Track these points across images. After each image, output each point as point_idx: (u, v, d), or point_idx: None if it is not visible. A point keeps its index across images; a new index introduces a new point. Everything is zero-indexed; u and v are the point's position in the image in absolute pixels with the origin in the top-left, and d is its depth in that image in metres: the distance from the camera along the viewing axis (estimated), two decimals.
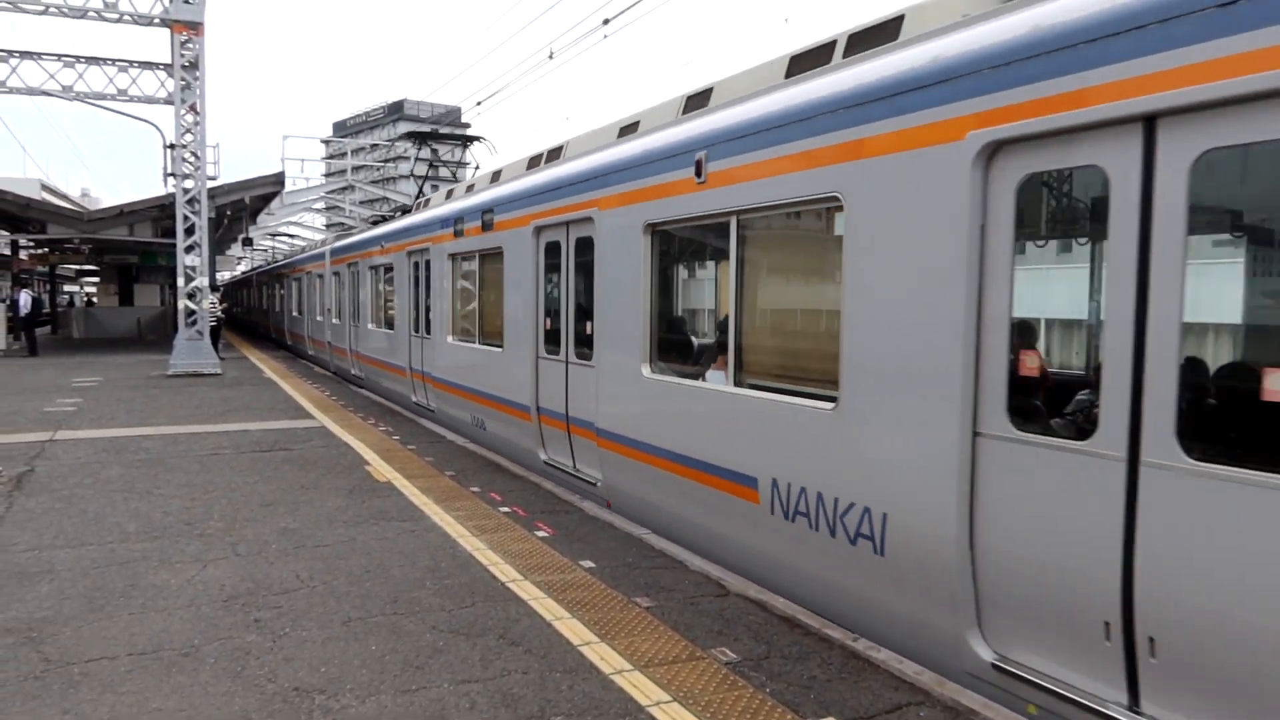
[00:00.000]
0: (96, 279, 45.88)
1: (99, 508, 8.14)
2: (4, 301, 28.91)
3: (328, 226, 60.80)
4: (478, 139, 21.93)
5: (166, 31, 21.03)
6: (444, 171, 23.93)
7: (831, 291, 5.51)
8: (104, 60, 22.11)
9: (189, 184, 21.71)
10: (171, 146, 21.68)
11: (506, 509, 8.17)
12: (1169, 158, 3.66)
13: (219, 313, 26.67)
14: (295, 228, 55.17)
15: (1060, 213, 4.59)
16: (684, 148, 6.99)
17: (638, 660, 4.86)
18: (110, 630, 5.23)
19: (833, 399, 5.48)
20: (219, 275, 44.59)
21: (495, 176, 12.28)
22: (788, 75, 6.31)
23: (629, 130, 8.63)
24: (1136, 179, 3.77)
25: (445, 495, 8.69)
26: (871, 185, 5.11)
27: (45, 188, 55.98)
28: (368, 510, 8.08)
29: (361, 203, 53.55)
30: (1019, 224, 4.33)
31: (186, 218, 21.71)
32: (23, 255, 34.28)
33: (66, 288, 64.57)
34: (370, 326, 18.40)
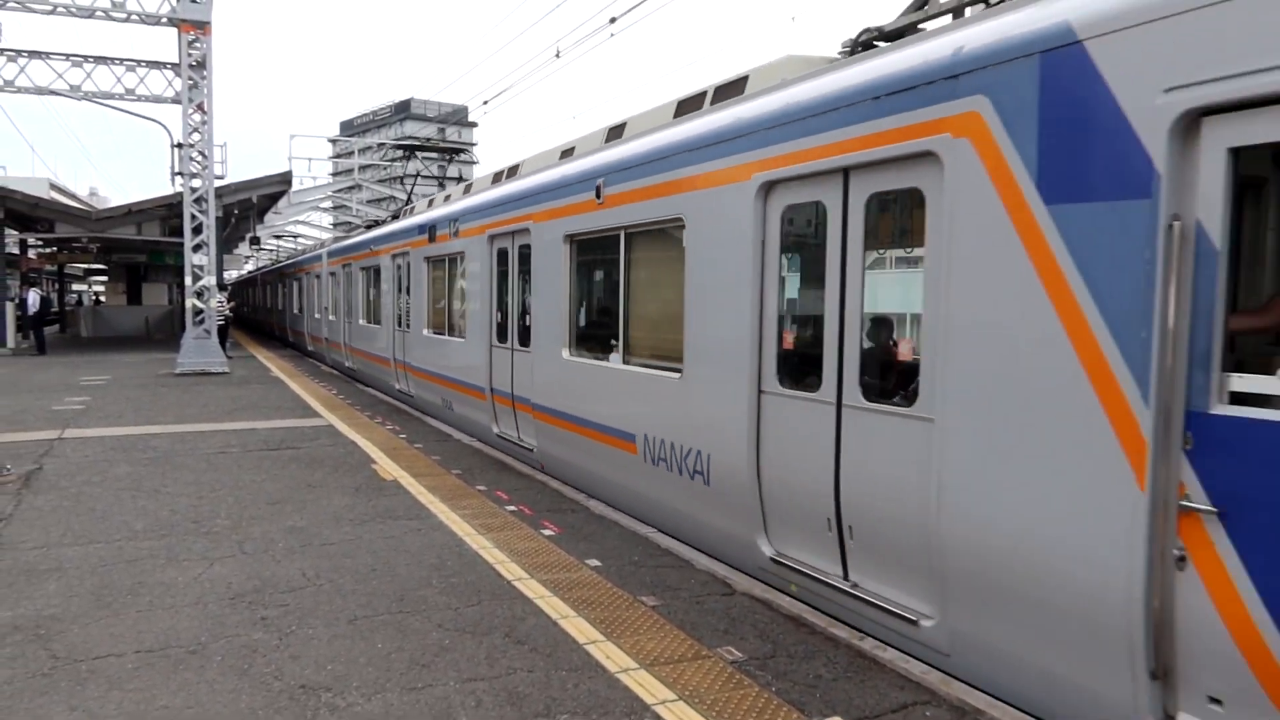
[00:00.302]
0: (105, 278, 46.05)
1: (107, 506, 8.17)
2: (13, 300, 29.01)
3: (335, 225, 60.89)
4: (462, 150, 24.89)
5: (174, 31, 21.10)
6: (452, 171, 24.40)
7: (682, 289, 7.26)
8: (112, 60, 22.19)
9: (196, 183, 21.77)
10: (179, 146, 21.74)
11: (513, 507, 8.18)
12: (855, 198, 5.35)
13: (227, 311, 26.71)
14: (303, 227, 55.27)
15: (806, 234, 6.13)
16: (590, 174, 8.75)
17: (643, 659, 4.86)
18: (117, 628, 5.25)
19: (680, 370, 7.17)
20: (227, 274, 44.71)
21: (467, 189, 13.94)
22: (675, 116, 7.88)
23: (566, 154, 10.18)
24: (839, 212, 5.46)
25: (451, 494, 8.70)
26: (700, 211, 6.86)
27: (54, 187, 56.16)
28: (374, 509, 8.10)
29: (369, 202, 53.56)
30: (783, 242, 6.11)
31: (194, 217, 21.77)
32: (31, 254, 34.41)
33: (75, 287, 64.77)
34: (361, 322, 19.96)
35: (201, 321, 21.84)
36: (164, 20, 20.93)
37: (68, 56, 22.00)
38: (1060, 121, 4.08)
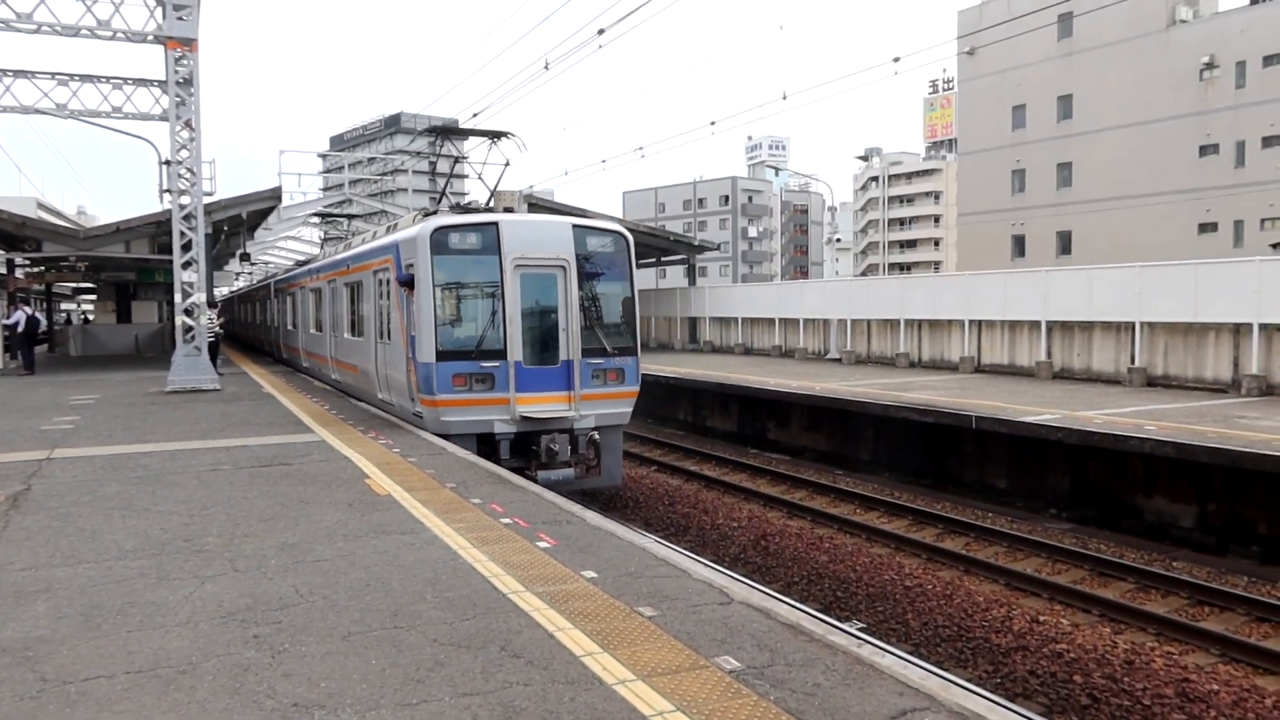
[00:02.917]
0: (93, 297, 45.83)
1: (96, 525, 8.09)
2: (2, 320, 28.80)
3: (325, 240, 60.87)
4: (359, 216, 40.86)
5: (160, 48, 21.05)
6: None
7: (362, 310, 17.97)
8: (98, 78, 22.02)
9: (185, 200, 21.62)
10: (167, 163, 21.60)
11: (508, 520, 8.13)
12: (379, 278, 16.23)
13: (217, 328, 26.54)
14: (294, 242, 55.11)
15: (382, 290, 16.01)
16: (347, 259, 19.24)
17: (640, 670, 4.82)
18: (107, 648, 5.18)
19: (363, 337, 17.68)
20: (217, 291, 44.46)
21: (348, 245, 22.89)
22: (385, 232, 17.50)
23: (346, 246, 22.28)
24: (389, 280, 15.31)
25: (446, 508, 8.64)
26: (365, 279, 17.20)
27: (41, 206, 55.93)
28: (368, 524, 8.04)
29: (359, 216, 53.50)
30: (379, 292, 16.22)
31: (183, 234, 21.61)
32: (19, 274, 34.18)
33: (64, 306, 64.41)
34: (289, 327, 29.29)
35: (192, 339, 21.72)
36: (150, 38, 20.81)
37: (54, 75, 21.83)
38: (399, 262, 14.42)
